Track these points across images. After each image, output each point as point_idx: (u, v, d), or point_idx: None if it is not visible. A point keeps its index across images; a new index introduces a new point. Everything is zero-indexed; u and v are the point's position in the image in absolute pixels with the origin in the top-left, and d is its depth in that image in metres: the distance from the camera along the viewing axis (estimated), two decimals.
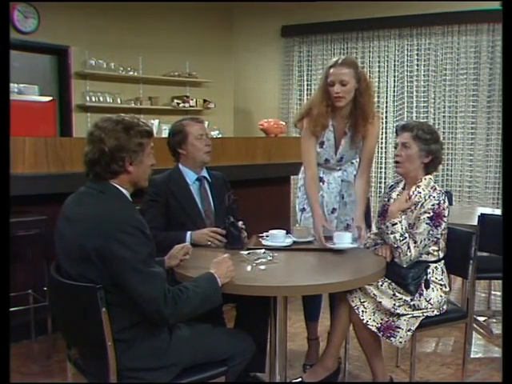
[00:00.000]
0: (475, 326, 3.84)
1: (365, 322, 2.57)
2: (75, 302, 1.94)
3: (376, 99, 6.30)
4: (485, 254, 3.51)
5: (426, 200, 2.58)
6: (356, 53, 6.60)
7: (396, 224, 2.56)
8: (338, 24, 6.57)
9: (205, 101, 6.98)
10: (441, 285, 2.64)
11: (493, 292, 4.37)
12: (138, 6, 6.25)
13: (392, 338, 2.54)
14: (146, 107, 6.47)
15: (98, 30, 5.99)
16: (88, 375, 2.11)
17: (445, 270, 2.69)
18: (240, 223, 2.72)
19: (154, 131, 2.13)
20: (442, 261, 2.69)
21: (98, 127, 1.99)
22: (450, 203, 3.50)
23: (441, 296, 2.62)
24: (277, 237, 2.75)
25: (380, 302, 2.57)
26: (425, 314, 2.58)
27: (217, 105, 7.06)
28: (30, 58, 5.76)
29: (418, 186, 2.64)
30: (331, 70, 2.82)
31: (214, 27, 7.11)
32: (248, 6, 6.98)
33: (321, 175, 3.05)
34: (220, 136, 5.73)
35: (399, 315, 2.56)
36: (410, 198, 2.62)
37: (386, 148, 6.49)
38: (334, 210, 3.07)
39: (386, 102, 6.50)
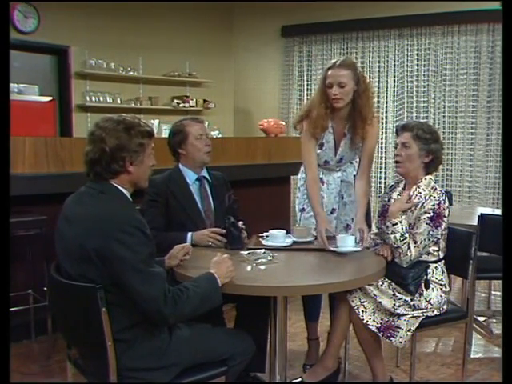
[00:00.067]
0: (475, 326, 3.84)
1: (365, 322, 2.57)
2: (75, 302, 1.94)
3: (376, 99, 6.30)
4: (485, 254, 3.51)
5: (426, 200, 2.58)
6: (356, 53, 6.60)
7: (396, 224, 2.56)
8: (338, 24, 6.57)
9: (205, 101, 6.98)
10: (441, 285, 2.64)
11: (493, 292, 4.37)
12: (138, 5, 6.25)
13: (392, 338, 2.54)
14: (145, 107, 6.47)
15: (98, 29, 5.99)
16: (88, 375, 2.11)
17: (445, 270, 2.69)
18: (240, 223, 2.72)
19: (154, 131, 2.13)
20: (442, 261, 2.69)
21: (99, 127, 1.99)
22: (450, 203, 3.50)
23: (441, 296, 2.62)
24: (277, 237, 2.74)
25: (380, 302, 2.57)
26: (425, 314, 2.58)
27: (217, 105, 7.06)
28: (30, 57, 5.76)
29: (419, 186, 2.64)
30: (329, 72, 2.82)
31: (214, 27, 7.11)
32: (248, 6, 6.98)
33: (320, 176, 3.05)
34: (220, 136, 5.73)
35: (399, 315, 2.56)
36: (410, 198, 2.62)
37: (386, 148, 6.49)
38: (333, 210, 3.07)
39: (386, 102, 6.50)
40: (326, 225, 2.75)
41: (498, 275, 3.23)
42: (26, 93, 5.10)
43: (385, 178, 6.50)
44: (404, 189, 2.74)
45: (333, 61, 2.86)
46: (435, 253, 2.65)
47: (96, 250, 1.85)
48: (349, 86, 2.80)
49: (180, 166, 2.98)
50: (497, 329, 3.81)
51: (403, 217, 2.60)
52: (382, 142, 6.45)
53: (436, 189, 2.62)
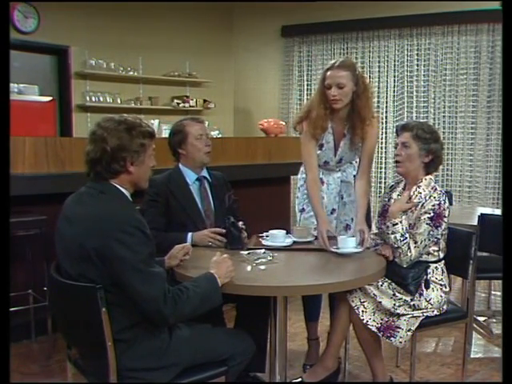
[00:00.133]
0: (475, 326, 3.84)
1: (365, 322, 2.57)
2: (75, 302, 1.94)
3: (376, 99, 6.31)
4: (485, 254, 3.51)
5: (426, 200, 2.58)
6: (356, 53, 6.60)
7: (397, 224, 2.56)
8: (338, 24, 6.57)
9: (205, 101, 6.98)
10: (441, 285, 2.64)
11: (493, 292, 4.37)
12: (138, 5, 6.25)
13: (392, 338, 2.54)
14: (146, 107, 6.47)
15: (98, 29, 5.99)
16: (88, 375, 2.10)
17: (445, 270, 2.69)
18: (240, 223, 2.72)
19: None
20: (442, 261, 2.69)
21: (101, 127, 1.99)
22: (450, 203, 3.50)
23: (441, 296, 2.62)
24: (277, 237, 2.74)
25: (380, 302, 2.57)
26: (425, 314, 2.58)
27: (217, 105, 7.06)
28: (30, 58, 5.76)
29: (419, 186, 2.64)
30: (328, 73, 2.82)
31: (214, 27, 7.11)
32: (248, 6, 6.98)
33: (320, 176, 3.04)
34: (220, 136, 5.73)
35: (399, 315, 2.56)
36: (410, 198, 2.62)
37: (386, 148, 6.49)
38: (333, 210, 3.07)
39: (386, 102, 6.49)
40: (326, 226, 2.74)
41: (497, 275, 3.23)
42: (26, 93, 5.10)
43: (385, 178, 6.50)
44: (404, 189, 2.74)
45: (332, 62, 2.86)
46: (435, 253, 2.65)
47: (96, 249, 1.86)
48: (348, 87, 2.79)
49: (180, 165, 2.98)
50: (497, 329, 3.81)
51: (403, 217, 2.60)
52: (381, 142, 6.45)
53: (436, 189, 2.62)
